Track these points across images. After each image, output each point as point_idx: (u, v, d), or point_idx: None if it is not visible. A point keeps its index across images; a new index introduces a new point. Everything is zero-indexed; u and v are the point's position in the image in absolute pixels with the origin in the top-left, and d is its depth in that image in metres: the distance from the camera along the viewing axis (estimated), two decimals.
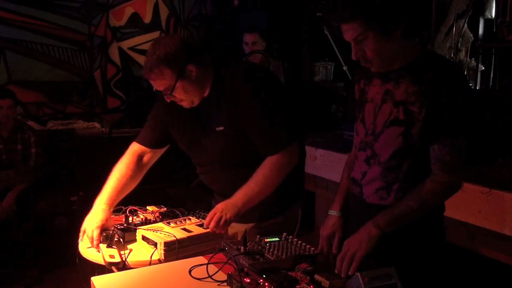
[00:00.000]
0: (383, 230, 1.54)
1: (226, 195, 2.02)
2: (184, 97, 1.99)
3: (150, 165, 2.25)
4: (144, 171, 2.24)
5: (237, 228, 2.08)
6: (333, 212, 1.86)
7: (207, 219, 1.95)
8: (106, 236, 1.94)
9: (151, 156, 2.23)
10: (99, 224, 1.96)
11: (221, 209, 1.94)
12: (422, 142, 1.57)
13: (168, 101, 2.01)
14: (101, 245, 1.93)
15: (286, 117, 2.00)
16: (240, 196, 1.96)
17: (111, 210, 2.07)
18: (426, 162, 1.59)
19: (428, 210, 1.61)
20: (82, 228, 2.00)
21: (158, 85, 1.95)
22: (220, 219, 1.91)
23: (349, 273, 1.50)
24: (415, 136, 1.57)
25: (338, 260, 1.54)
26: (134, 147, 2.22)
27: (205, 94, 2.02)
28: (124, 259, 1.82)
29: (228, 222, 1.94)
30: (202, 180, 2.25)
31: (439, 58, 1.68)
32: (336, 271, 1.53)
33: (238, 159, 2.04)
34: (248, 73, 2.05)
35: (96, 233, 1.94)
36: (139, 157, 2.21)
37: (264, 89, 1.99)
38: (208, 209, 2.31)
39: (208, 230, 1.95)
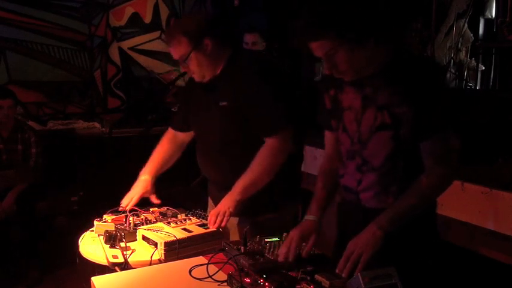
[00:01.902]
0: (386, 231, 1.54)
1: (222, 184, 2.14)
2: (196, 69, 2.09)
3: (186, 143, 2.44)
4: (182, 148, 2.45)
5: (231, 222, 2.11)
6: (311, 217, 1.77)
7: (211, 218, 2.00)
8: (109, 236, 1.94)
9: (184, 136, 2.43)
10: (135, 194, 2.25)
11: (222, 207, 2.01)
12: (413, 141, 1.57)
13: (182, 70, 2.16)
14: (104, 245, 1.93)
15: (283, 103, 2.09)
16: (237, 189, 2.04)
17: (153, 179, 2.33)
18: (418, 159, 1.59)
19: (427, 205, 1.62)
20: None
21: (175, 52, 2.09)
22: (223, 217, 1.99)
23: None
24: (405, 137, 1.57)
25: (342, 260, 1.53)
26: (169, 131, 2.45)
27: (218, 72, 2.11)
28: (126, 259, 1.82)
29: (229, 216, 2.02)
30: (200, 167, 2.31)
31: (413, 57, 1.67)
32: (338, 271, 1.52)
33: (236, 142, 2.10)
34: (257, 56, 2.31)
35: (134, 199, 2.22)
36: (173, 137, 2.43)
37: (269, 72, 2.15)
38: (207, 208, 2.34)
39: (208, 230, 1.96)
